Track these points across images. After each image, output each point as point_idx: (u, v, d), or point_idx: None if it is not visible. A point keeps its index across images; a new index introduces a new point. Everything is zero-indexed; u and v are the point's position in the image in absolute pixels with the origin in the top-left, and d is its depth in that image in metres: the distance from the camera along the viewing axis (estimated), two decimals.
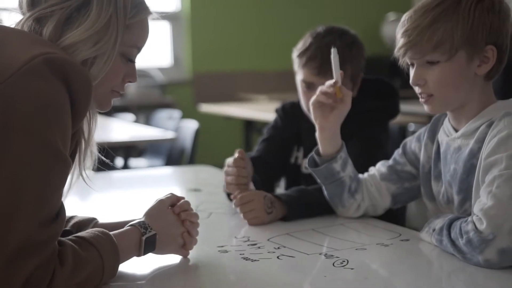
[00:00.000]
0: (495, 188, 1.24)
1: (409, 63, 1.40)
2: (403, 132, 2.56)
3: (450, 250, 1.27)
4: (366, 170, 1.66)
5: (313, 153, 1.61)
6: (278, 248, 1.38)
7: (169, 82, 6.23)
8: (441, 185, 1.48)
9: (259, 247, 1.39)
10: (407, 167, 1.59)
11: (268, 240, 1.45)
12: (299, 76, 1.83)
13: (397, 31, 1.40)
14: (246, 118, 4.79)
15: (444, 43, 1.33)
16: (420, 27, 1.34)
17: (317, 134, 1.59)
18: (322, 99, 1.55)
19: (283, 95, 5.26)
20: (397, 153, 1.62)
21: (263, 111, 4.44)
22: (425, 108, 1.41)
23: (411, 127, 2.65)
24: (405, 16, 1.39)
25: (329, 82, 1.55)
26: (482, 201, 1.25)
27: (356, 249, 1.37)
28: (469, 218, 1.25)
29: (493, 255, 1.19)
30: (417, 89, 1.40)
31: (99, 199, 2.12)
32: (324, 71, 1.75)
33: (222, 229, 1.61)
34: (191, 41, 6.34)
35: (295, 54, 1.84)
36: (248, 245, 1.41)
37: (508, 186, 1.23)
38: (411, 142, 1.60)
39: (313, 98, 1.57)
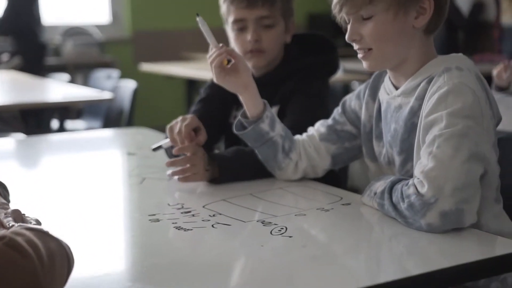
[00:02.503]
0: (436, 148, 1.20)
1: (346, 20, 1.34)
2: (347, 90, 2.52)
3: (392, 214, 1.23)
4: (308, 127, 1.60)
5: (239, 116, 1.55)
6: (214, 215, 1.31)
7: (108, 40, 6.04)
8: (382, 145, 1.43)
9: (193, 215, 1.32)
10: (347, 126, 1.54)
11: (203, 207, 1.38)
12: (230, 19, 1.78)
13: None
14: (188, 77, 4.69)
15: None
16: None
17: (240, 97, 1.54)
18: (217, 63, 1.51)
19: None
20: (337, 112, 1.56)
21: (206, 70, 4.34)
22: (364, 65, 1.36)
23: (355, 85, 2.61)
24: None
25: (210, 51, 1.54)
26: (422, 162, 1.21)
27: (295, 215, 1.31)
28: (410, 181, 1.21)
29: (435, 218, 1.15)
30: (354, 46, 1.35)
31: (35, 163, 2.01)
32: (253, 2, 1.73)
33: (155, 195, 1.53)
34: None
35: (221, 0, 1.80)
36: (182, 213, 1.34)
37: (449, 146, 1.19)
38: (350, 100, 1.54)
39: (213, 73, 1.54)
